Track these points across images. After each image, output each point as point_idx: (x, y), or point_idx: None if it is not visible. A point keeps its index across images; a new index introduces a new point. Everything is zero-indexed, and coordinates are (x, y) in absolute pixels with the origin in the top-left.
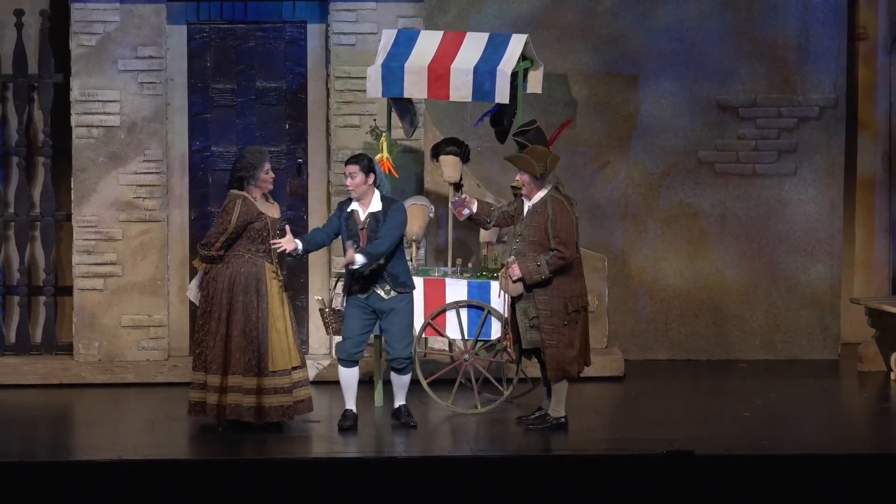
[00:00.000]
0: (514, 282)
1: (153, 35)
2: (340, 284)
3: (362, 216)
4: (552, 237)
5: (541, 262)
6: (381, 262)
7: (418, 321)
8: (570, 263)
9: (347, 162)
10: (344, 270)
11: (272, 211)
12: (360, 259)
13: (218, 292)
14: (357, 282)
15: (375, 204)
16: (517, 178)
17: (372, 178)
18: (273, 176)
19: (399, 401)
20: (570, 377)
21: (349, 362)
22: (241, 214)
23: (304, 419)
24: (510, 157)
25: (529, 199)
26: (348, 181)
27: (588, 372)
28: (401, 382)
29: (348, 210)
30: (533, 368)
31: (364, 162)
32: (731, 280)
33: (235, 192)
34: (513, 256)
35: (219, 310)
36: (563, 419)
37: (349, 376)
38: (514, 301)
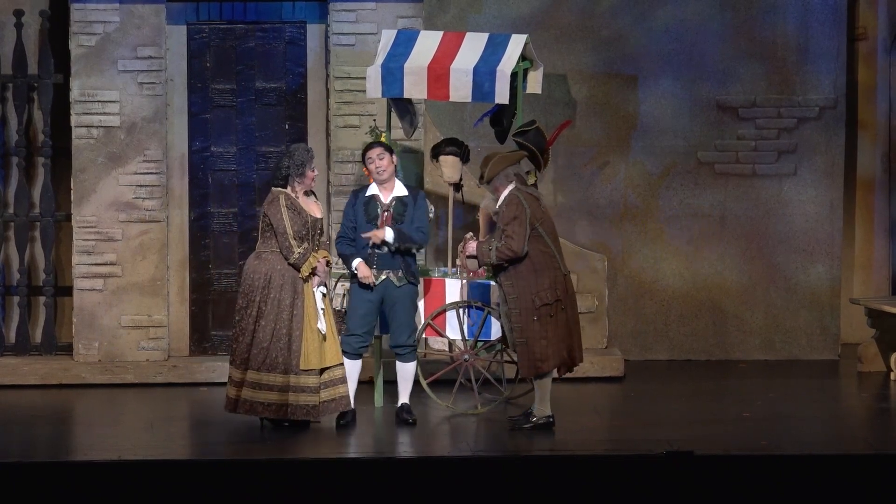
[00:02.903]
0: (468, 257)
1: (153, 35)
2: (340, 285)
3: (385, 200)
4: (501, 230)
5: (492, 247)
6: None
7: (419, 321)
8: (523, 257)
9: (371, 147)
10: (364, 256)
11: (314, 210)
12: (389, 233)
13: (254, 289)
14: (372, 265)
15: (399, 189)
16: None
17: (395, 159)
18: (317, 173)
19: (403, 398)
20: (543, 374)
21: (354, 355)
22: (286, 207)
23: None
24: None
25: (499, 202)
26: (376, 164)
27: (588, 372)
28: (405, 373)
29: (366, 195)
30: None
31: (386, 144)
32: (730, 280)
33: (278, 189)
34: (471, 233)
35: (251, 306)
36: (549, 418)
37: (352, 368)
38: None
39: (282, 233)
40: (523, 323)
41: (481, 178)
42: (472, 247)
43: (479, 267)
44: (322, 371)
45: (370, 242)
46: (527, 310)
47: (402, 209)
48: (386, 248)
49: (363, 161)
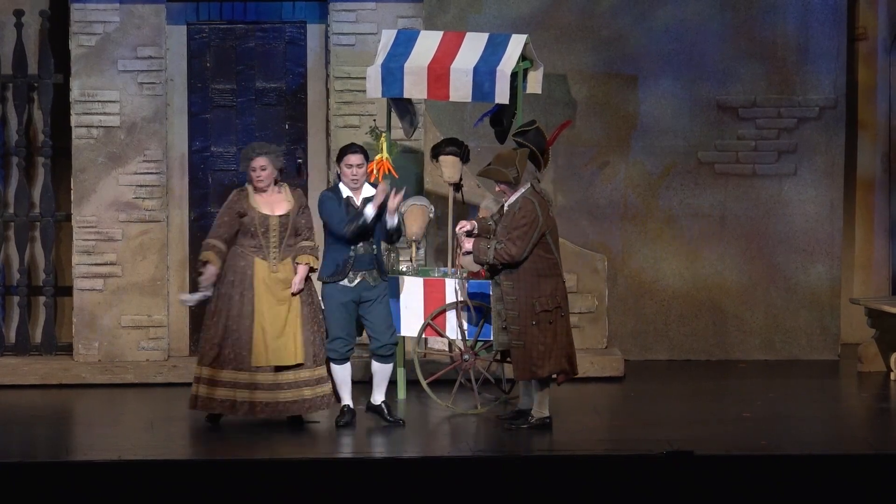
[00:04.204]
0: (464, 254)
1: (153, 35)
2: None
3: (357, 201)
4: (507, 232)
5: (491, 246)
6: (374, 249)
7: (419, 321)
8: (520, 262)
9: (349, 152)
10: (342, 259)
11: (275, 207)
12: (370, 209)
13: (216, 288)
14: (350, 267)
15: (367, 190)
16: (497, 189)
17: (368, 165)
18: (259, 175)
19: (379, 396)
20: (538, 378)
21: (342, 360)
22: (226, 205)
23: (307, 419)
24: (483, 173)
25: (507, 201)
26: (354, 171)
27: (588, 372)
28: (384, 373)
29: (343, 196)
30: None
31: (364, 150)
32: (730, 280)
33: (242, 187)
34: (462, 222)
35: (214, 303)
36: (546, 419)
37: (343, 373)
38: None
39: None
40: (521, 326)
41: (506, 181)
42: (467, 244)
43: (479, 264)
44: (280, 369)
45: (362, 220)
46: (526, 313)
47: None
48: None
49: (338, 160)
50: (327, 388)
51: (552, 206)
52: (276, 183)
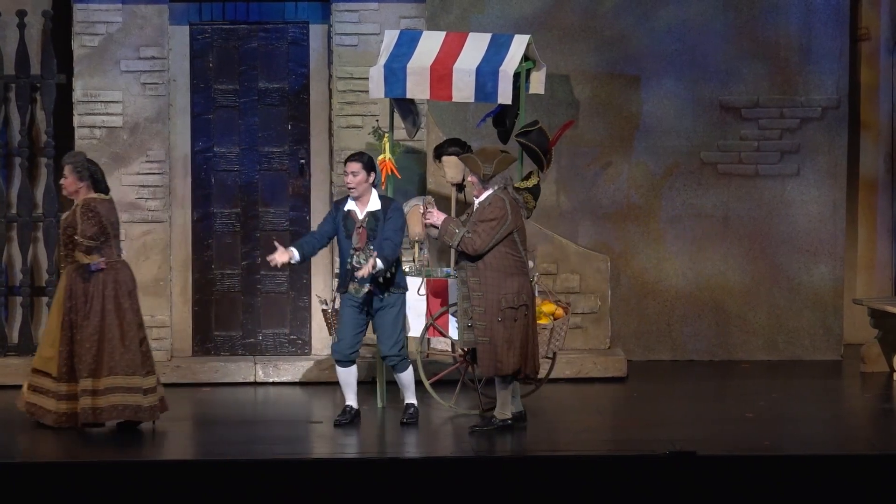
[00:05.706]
0: (429, 225)
1: (155, 36)
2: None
3: (360, 215)
4: (473, 223)
5: (460, 232)
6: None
7: (422, 322)
8: (481, 255)
9: (349, 159)
10: (344, 270)
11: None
12: (380, 264)
13: None
14: (353, 280)
15: (374, 203)
16: (469, 178)
17: (372, 176)
18: (62, 183)
19: (408, 398)
20: (503, 375)
21: (346, 362)
22: None
23: (306, 419)
24: (462, 158)
25: (477, 198)
26: (349, 178)
27: (591, 372)
28: (402, 381)
29: (345, 209)
30: None
31: (366, 159)
32: (733, 281)
33: None
34: (430, 197)
35: None
36: (508, 421)
37: (347, 375)
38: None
39: None
40: (487, 322)
41: (477, 172)
42: (435, 216)
43: (437, 238)
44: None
45: (358, 265)
46: (492, 310)
47: (374, 224)
48: (381, 276)
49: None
50: (151, 398)
51: (525, 213)
52: (96, 192)
